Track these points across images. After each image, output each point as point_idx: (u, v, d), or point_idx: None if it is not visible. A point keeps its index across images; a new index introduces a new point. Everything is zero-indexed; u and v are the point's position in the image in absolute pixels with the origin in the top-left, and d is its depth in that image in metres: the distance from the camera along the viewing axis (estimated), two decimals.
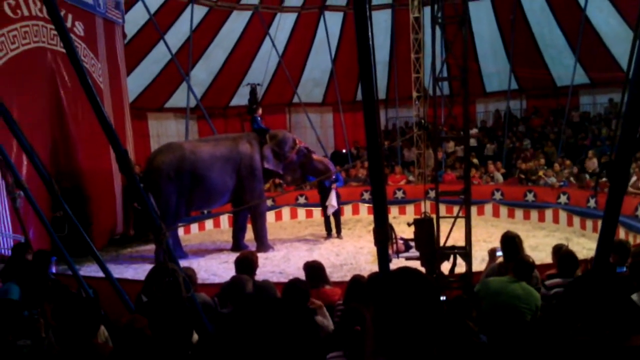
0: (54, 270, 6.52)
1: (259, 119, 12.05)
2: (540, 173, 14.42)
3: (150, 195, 10.39)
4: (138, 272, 9.73)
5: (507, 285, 4.38)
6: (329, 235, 12.81)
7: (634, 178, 11.77)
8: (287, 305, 1.34)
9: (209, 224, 14.76)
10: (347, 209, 15.44)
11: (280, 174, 11.86)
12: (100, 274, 5.08)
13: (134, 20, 14.15)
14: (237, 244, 11.70)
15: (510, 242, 5.13)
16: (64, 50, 10.04)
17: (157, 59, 15.84)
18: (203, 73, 17.42)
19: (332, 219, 12.81)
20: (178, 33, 15.44)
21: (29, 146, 4.92)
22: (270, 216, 15.17)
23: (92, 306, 3.24)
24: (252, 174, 11.32)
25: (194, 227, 14.34)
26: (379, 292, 1.67)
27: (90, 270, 8.58)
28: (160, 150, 11.18)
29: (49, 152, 10.42)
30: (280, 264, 10.31)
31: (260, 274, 5.67)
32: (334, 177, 12.62)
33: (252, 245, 11.36)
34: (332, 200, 12.49)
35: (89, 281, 5.49)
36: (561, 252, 4.84)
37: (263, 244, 11.47)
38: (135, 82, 15.51)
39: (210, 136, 12.87)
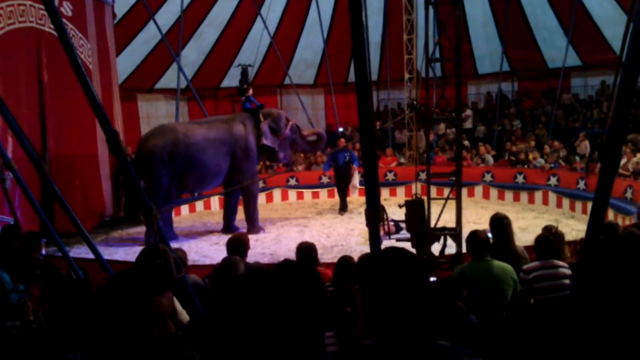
0: (43, 252, 6.49)
1: (251, 98, 12.00)
2: (530, 156, 14.48)
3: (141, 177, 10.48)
4: (128, 253, 9.71)
5: (474, 268, 4.45)
6: (343, 210, 13.35)
7: (624, 160, 11.84)
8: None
9: (199, 205, 14.72)
10: None
11: (276, 151, 11.80)
12: (90, 256, 5.06)
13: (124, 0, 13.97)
14: (229, 225, 11.70)
15: (499, 223, 5.16)
16: (50, 30, 9.91)
17: (146, 40, 15.66)
18: (194, 54, 17.26)
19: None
20: (168, 13, 15.24)
21: (18, 126, 4.87)
22: (261, 198, 15.11)
23: (83, 287, 3.24)
24: (246, 155, 11.31)
25: (185, 208, 14.32)
26: (367, 272, 1.68)
27: (80, 251, 8.57)
28: (152, 133, 11.03)
29: (34, 133, 10.30)
30: (270, 246, 10.33)
31: (251, 256, 5.67)
32: (346, 156, 13.22)
33: (242, 227, 11.36)
34: (356, 181, 12.93)
35: (79, 262, 5.47)
36: (537, 236, 4.86)
37: (254, 225, 11.48)
38: (125, 63, 15.35)
39: (203, 118, 12.79)
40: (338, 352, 3.16)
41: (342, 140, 14.41)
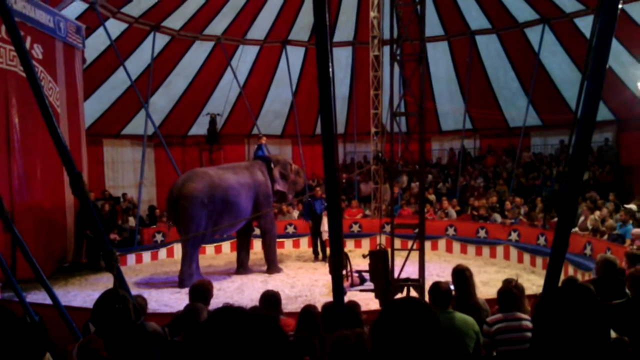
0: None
1: (264, 146, 12.95)
2: (489, 213, 14.78)
3: (174, 219, 11.45)
4: (86, 300, 9.46)
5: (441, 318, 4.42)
6: (316, 258, 13.72)
7: (582, 217, 12.13)
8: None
9: (162, 253, 14.47)
10: (304, 242, 15.41)
11: (286, 194, 12.79)
12: (48, 301, 4.92)
13: (95, 45, 13.99)
14: (243, 265, 12.38)
15: (461, 275, 5.22)
16: (21, 72, 9.86)
17: (115, 85, 15.65)
18: (162, 101, 17.29)
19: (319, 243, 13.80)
20: (139, 60, 15.35)
21: None
22: (225, 246, 15.05)
23: (38, 331, 3.15)
24: (267, 201, 12.14)
25: (147, 255, 14.05)
26: (384, 323, 1.69)
27: (37, 297, 8.31)
28: (188, 178, 11.34)
29: (1, 176, 10.12)
30: (233, 295, 10.19)
31: (213, 305, 5.58)
32: (323, 204, 13.49)
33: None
34: (326, 226, 13.28)
35: (36, 308, 5.30)
36: (500, 289, 4.92)
37: (275, 265, 12.29)
38: (92, 108, 15.26)
39: (224, 164, 13.72)
40: None
41: (318, 189, 14.58)
